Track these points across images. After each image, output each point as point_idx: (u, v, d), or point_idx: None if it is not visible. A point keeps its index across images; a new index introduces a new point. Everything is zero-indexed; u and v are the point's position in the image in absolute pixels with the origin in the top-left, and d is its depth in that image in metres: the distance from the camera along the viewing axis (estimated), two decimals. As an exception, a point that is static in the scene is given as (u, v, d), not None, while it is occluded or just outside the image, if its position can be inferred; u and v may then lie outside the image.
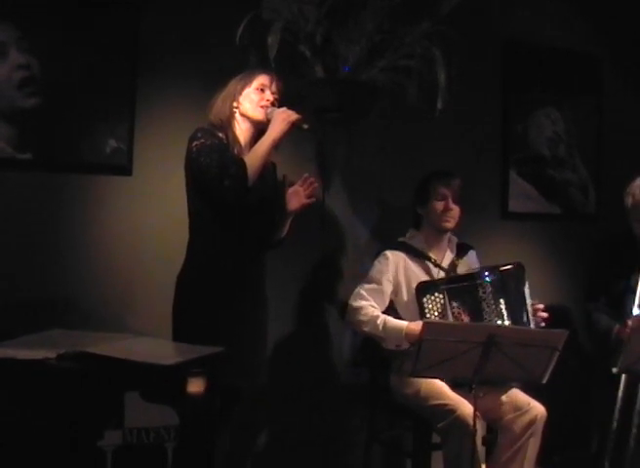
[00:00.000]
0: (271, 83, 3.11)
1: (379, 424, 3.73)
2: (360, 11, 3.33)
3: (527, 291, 3.46)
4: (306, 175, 3.20)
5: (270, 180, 3.17)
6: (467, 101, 4.10)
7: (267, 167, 3.12)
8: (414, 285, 3.46)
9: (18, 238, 3.23)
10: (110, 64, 3.36)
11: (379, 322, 3.41)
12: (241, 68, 3.25)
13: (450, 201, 3.55)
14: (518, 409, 3.35)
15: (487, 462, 3.51)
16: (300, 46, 3.38)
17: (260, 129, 3.07)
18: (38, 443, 2.23)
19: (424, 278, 3.52)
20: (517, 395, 3.41)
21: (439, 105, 3.42)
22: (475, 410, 3.01)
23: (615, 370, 3.32)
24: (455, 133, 4.16)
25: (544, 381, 2.98)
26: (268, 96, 3.09)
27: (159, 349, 2.66)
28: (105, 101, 3.36)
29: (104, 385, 2.28)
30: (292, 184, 3.21)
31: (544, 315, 3.44)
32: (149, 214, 3.45)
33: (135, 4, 3.41)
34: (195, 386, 2.35)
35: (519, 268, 3.49)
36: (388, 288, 3.52)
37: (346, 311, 3.52)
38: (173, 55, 3.44)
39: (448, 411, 3.21)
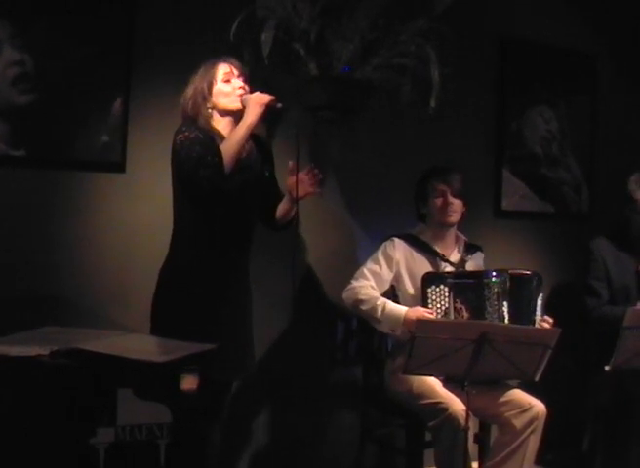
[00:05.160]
0: (232, 69, 3.07)
1: (371, 422, 3.73)
2: (354, 8, 3.32)
3: (540, 302, 3.44)
4: (311, 165, 3.21)
5: (257, 163, 3.14)
6: (462, 99, 4.09)
7: (252, 153, 3.11)
8: (417, 276, 3.47)
9: (10, 234, 3.22)
10: (104, 61, 3.35)
11: (378, 303, 3.42)
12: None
13: (448, 196, 3.55)
14: (519, 408, 3.34)
15: (479, 460, 3.52)
16: (293, 43, 3.38)
17: (239, 117, 3.04)
18: (30, 440, 2.22)
19: (430, 270, 3.52)
20: (518, 394, 3.40)
21: (432, 103, 3.43)
22: (468, 408, 3.01)
23: (607, 367, 3.32)
24: (448, 130, 4.16)
25: (537, 379, 2.99)
26: (237, 82, 3.07)
27: (152, 346, 2.66)
28: (99, 98, 3.35)
29: (97, 382, 2.28)
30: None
31: (547, 327, 3.39)
32: (142, 210, 3.44)
33: (129, 1, 3.40)
34: (188, 383, 2.35)
35: (534, 277, 3.47)
36: (389, 273, 3.53)
37: (346, 287, 3.52)
38: (167, 52, 3.43)
39: (440, 409, 3.20)
